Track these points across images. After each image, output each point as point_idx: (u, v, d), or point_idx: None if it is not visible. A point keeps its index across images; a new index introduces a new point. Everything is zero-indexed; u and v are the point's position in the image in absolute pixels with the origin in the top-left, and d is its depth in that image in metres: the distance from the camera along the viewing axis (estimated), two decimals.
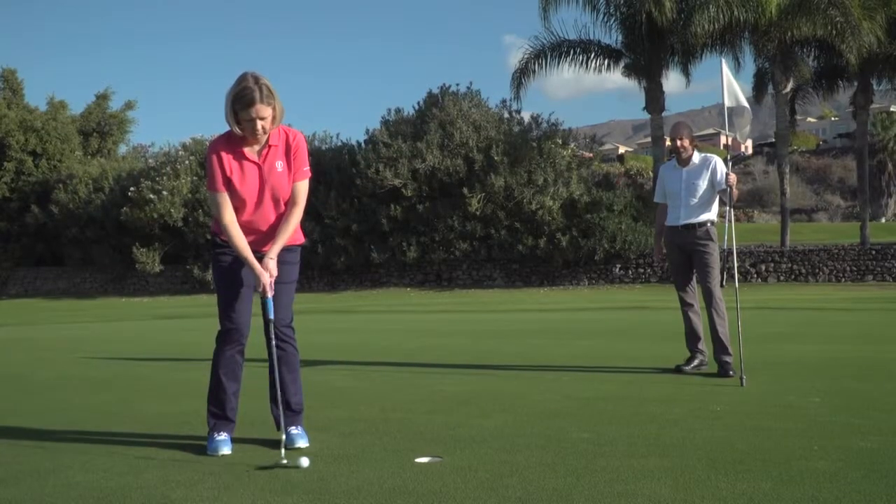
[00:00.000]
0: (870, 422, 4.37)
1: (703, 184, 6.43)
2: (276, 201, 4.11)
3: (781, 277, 25.35)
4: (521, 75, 27.87)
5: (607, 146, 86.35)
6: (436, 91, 29.00)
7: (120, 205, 29.96)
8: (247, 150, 4.04)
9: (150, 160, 33.95)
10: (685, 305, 6.59)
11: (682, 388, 5.66)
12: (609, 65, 28.16)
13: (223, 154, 4.00)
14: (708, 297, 6.35)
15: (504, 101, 29.10)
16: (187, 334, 12.20)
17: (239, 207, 4.04)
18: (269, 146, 4.08)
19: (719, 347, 6.23)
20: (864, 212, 28.97)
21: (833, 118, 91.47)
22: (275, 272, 3.98)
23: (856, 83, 28.40)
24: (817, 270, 25.16)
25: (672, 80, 33.40)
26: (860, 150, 29.64)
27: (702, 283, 6.42)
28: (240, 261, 4.05)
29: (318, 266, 28.72)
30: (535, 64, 27.82)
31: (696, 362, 6.45)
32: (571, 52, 27.90)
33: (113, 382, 6.81)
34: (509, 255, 26.71)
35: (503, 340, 9.71)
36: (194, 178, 29.65)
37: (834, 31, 24.77)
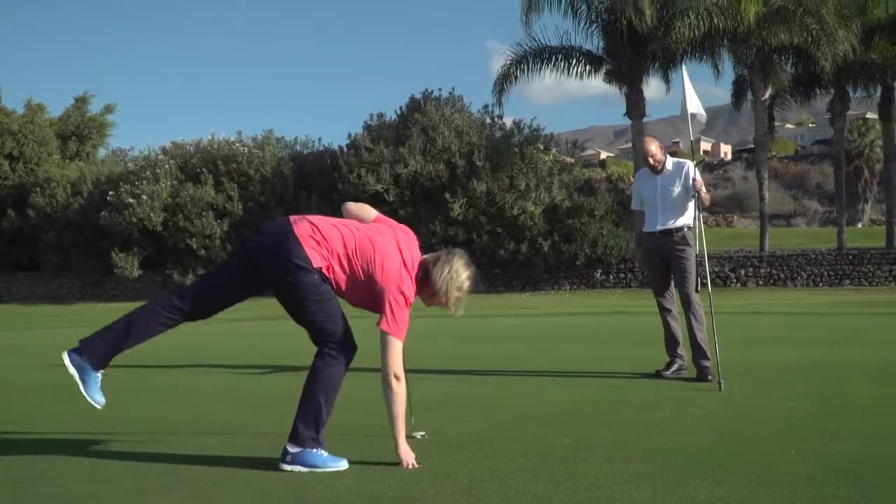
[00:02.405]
0: (847, 426, 4.39)
1: (677, 189, 6.47)
2: None
3: (760, 282, 25.53)
4: (503, 81, 27.93)
5: (589, 151, 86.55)
6: (418, 96, 29.02)
7: (99, 209, 29.73)
8: None
9: (129, 164, 33.69)
10: (664, 311, 6.60)
11: (662, 393, 5.67)
12: (590, 71, 28.29)
13: None
14: (686, 302, 6.37)
15: (486, 107, 29.17)
16: (166, 339, 12.10)
17: None
18: None
19: (698, 352, 6.25)
20: (841, 217, 29.21)
21: (811, 125, 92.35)
22: None
23: (832, 90, 28.68)
24: (796, 275, 25.35)
25: (653, 87, 33.74)
26: (837, 156, 29.92)
27: (679, 287, 6.44)
28: None
29: None
30: (516, 70, 27.90)
31: (675, 367, 6.45)
32: (553, 58, 28.01)
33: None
34: (491, 260, 26.74)
35: (483, 345, 9.69)
36: (174, 182, 29.48)
37: (810, 39, 25.02)
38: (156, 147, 32.79)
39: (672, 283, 6.57)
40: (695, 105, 6.51)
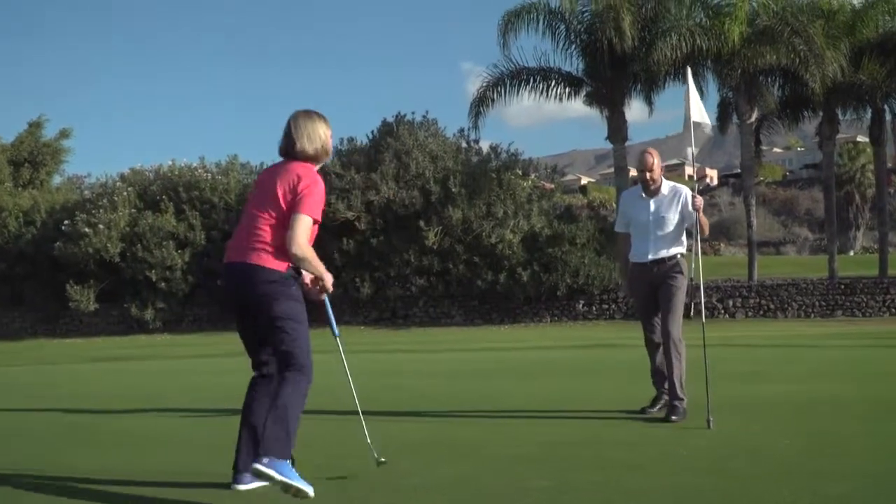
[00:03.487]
0: (840, 465, 4.42)
1: (673, 216, 6.23)
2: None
3: (749, 313, 25.70)
4: (480, 104, 28.15)
5: (569, 177, 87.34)
6: (391, 119, 29.13)
7: (53, 239, 29.45)
8: None
9: (85, 192, 33.47)
10: (651, 344, 6.47)
11: (648, 431, 5.68)
12: (570, 93, 28.59)
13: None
14: (666, 335, 6.17)
15: (462, 131, 29.33)
16: (126, 377, 11.98)
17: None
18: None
19: (672, 390, 6.10)
20: (832, 245, 29.58)
21: (799, 148, 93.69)
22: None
23: (821, 113, 29.12)
24: (786, 305, 25.56)
25: (635, 109, 33.94)
26: (827, 181, 30.34)
27: (662, 318, 6.24)
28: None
29: None
30: (493, 92, 28.14)
31: (662, 402, 6.34)
32: (531, 79, 28.29)
33: (43, 432, 6.64)
34: (468, 291, 26.74)
35: (461, 381, 9.67)
36: (133, 210, 29.30)
37: (798, 60, 25.44)
38: (114, 174, 32.61)
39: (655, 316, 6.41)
40: (699, 112, 6.37)
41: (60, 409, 8.14)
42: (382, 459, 4.37)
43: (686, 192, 6.29)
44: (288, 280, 4.20)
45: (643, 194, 6.35)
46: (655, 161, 6.26)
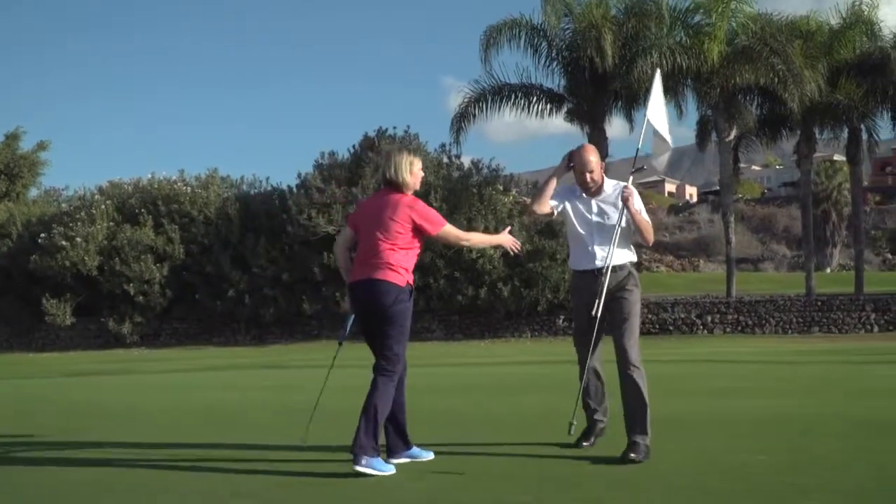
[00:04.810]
0: (815, 481, 4.45)
1: (619, 217, 5.44)
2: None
3: (728, 329, 25.87)
4: (461, 119, 28.27)
5: None
6: (372, 134, 29.18)
7: (29, 252, 29.21)
8: None
9: (63, 204, 33.28)
10: (587, 369, 5.59)
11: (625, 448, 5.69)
12: (551, 109, 28.77)
13: None
14: (624, 357, 5.32)
15: (443, 146, 29.42)
16: (103, 394, 11.88)
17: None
18: None
19: (639, 424, 5.22)
20: (809, 262, 29.87)
21: (778, 166, 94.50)
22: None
23: (799, 132, 29.46)
24: (764, 322, 25.75)
25: (616, 126, 34.26)
26: (804, 199, 30.66)
27: (617, 339, 5.38)
28: None
29: (245, 318, 28.36)
30: (475, 108, 28.27)
31: (597, 431, 5.72)
32: (512, 95, 28.45)
33: (8, 445, 6.58)
34: (449, 306, 26.76)
35: (440, 397, 9.66)
36: (111, 223, 29.14)
37: (776, 79, 25.75)
38: (91, 186, 32.47)
39: (599, 335, 5.49)
40: (659, 115, 5.91)
41: (34, 424, 8.07)
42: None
43: (631, 187, 5.59)
44: (404, 294, 5.04)
45: (584, 194, 5.56)
46: (594, 159, 5.48)
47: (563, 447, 5.68)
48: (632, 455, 5.03)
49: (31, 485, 4.90)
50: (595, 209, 5.49)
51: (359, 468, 4.65)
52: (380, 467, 4.74)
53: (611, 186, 5.54)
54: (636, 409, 5.22)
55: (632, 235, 5.58)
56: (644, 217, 5.49)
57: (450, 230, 5.24)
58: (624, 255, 5.46)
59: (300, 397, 10.19)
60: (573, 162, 5.49)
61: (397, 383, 5.09)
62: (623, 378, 5.31)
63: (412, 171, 5.17)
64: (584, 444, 5.59)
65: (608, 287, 5.32)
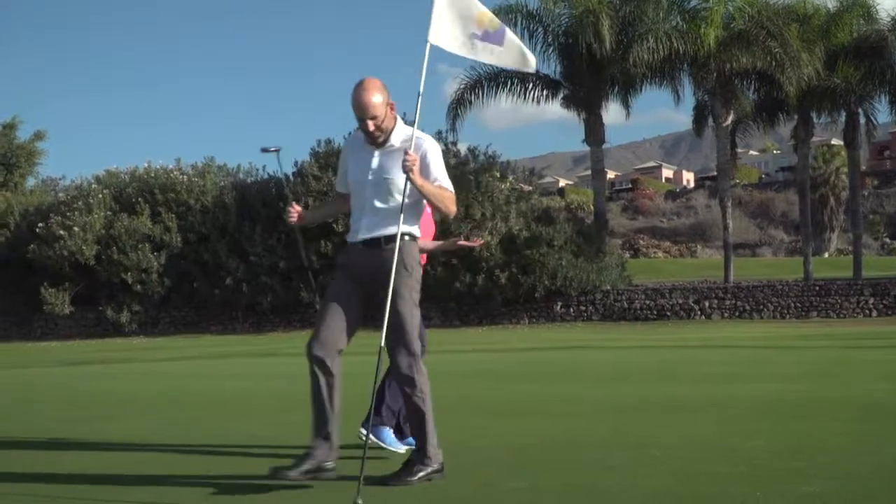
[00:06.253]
0: (813, 465, 4.42)
1: (402, 173, 4.18)
2: None
3: (726, 314, 25.84)
4: (457, 106, 28.19)
5: (547, 179, 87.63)
6: None
7: (27, 242, 29.16)
8: None
9: (60, 194, 33.19)
10: (323, 371, 4.30)
11: (622, 433, 5.67)
12: (548, 95, 28.72)
13: None
14: (395, 362, 4.34)
15: (440, 133, 29.27)
16: (104, 382, 11.85)
17: None
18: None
19: (417, 439, 4.43)
20: (807, 247, 29.85)
21: (775, 151, 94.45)
22: None
23: (796, 116, 29.38)
24: (762, 307, 25.72)
25: (612, 112, 34.10)
26: (802, 184, 30.61)
27: (390, 339, 4.29)
28: None
29: (243, 306, 28.32)
30: (471, 94, 28.20)
31: (313, 462, 4.20)
32: (509, 82, 28.36)
33: (10, 433, 6.55)
34: (446, 293, 26.70)
35: (436, 383, 9.62)
36: (108, 212, 29.07)
37: (773, 63, 25.65)
38: (88, 176, 32.38)
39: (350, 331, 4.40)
40: (450, 34, 4.65)
41: (35, 413, 8.04)
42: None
43: (426, 147, 4.30)
44: None
45: (367, 143, 4.35)
46: (373, 99, 4.17)
47: (557, 434, 5.66)
48: (408, 479, 4.25)
49: (34, 473, 4.87)
50: (374, 164, 4.29)
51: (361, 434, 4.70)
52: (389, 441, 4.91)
53: (400, 136, 4.31)
54: (418, 424, 4.43)
55: (420, 201, 4.36)
56: (436, 188, 4.26)
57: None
58: (402, 225, 4.24)
59: (300, 386, 10.17)
60: (354, 107, 4.22)
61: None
62: (398, 385, 4.50)
63: None
64: (291, 473, 4.11)
65: (373, 264, 4.26)
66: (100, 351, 22.07)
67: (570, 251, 26.36)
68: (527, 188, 30.49)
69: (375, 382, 4.46)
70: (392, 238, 4.21)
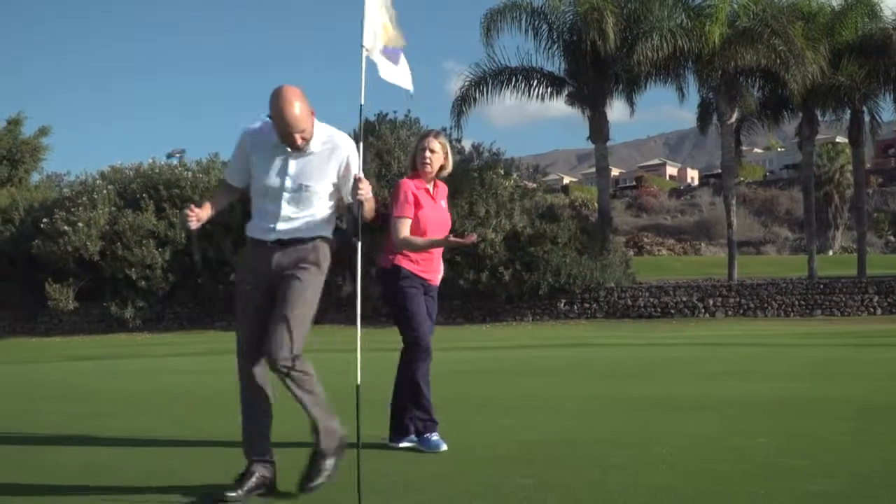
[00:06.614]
0: (817, 463, 4.45)
1: (323, 186, 4.09)
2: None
3: (730, 312, 25.85)
4: (462, 103, 28.19)
5: (551, 176, 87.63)
6: (372, 118, 29.09)
7: (31, 237, 29.23)
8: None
9: (65, 190, 33.25)
10: (248, 379, 4.19)
11: (627, 431, 5.69)
12: (552, 93, 28.69)
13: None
14: (274, 356, 3.97)
15: (444, 130, 29.30)
16: (108, 378, 11.90)
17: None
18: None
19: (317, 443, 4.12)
20: (812, 245, 29.80)
21: (780, 149, 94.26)
22: None
23: (800, 114, 29.34)
24: (766, 305, 25.72)
25: (616, 109, 34.16)
26: (806, 182, 30.58)
27: (272, 322, 4.00)
28: (420, 289, 5.17)
29: None
30: (475, 91, 28.20)
31: (253, 480, 4.06)
32: (513, 79, 28.36)
33: (15, 431, 6.59)
34: (450, 290, 26.69)
35: (440, 381, 9.65)
36: (112, 208, 29.13)
37: (778, 61, 25.63)
38: (93, 172, 32.44)
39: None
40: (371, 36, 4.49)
41: (40, 408, 8.08)
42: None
43: (348, 151, 4.11)
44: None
45: (279, 142, 4.03)
46: (301, 113, 3.88)
47: (562, 431, 5.68)
48: (309, 485, 4.02)
49: (42, 469, 4.90)
50: (292, 170, 4.06)
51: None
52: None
53: (321, 140, 4.06)
54: (317, 415, 4.12)
55: (337, 203, 4.24)
56: (371, 203, 4.22)
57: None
58: (318, 229, 4.14)
59: None
60: (271, 113, 3.92)
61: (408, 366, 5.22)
62: (284, 382, 4.08)
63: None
64: (231, 495, 3.94)
65: (286, 262, 4.08)
66: (104, 347, 22.13)
67: (574, 248, 26.37)
68: (531, 185, 30.52)
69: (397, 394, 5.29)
70: (307, 241, 4.09)
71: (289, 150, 3.99)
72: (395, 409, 5.28)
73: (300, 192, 4.05)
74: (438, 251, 5.30)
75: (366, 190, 4.07)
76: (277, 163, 4.04)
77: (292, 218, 4.07)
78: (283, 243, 4.06)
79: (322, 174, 4.06)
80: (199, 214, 4.06)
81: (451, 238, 5.13)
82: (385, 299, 5.24)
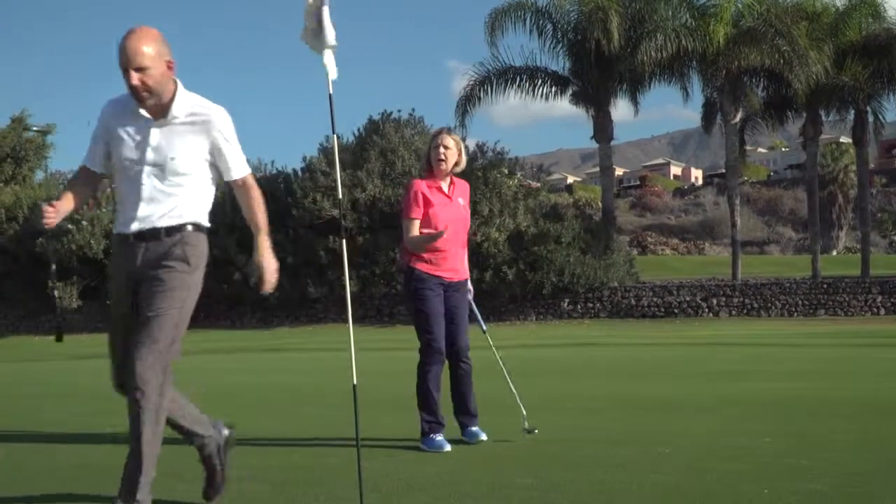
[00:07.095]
0: (820, 463, 4.44)
1: (188, 159, 3.54)
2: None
3: (733, 312, 25.83)
4: (466, 102, 28.20)
5: (555, 176, 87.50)
6: (377, 118, 29.11)
7: (35, 236, 29.29)
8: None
9: None
10: (126, 391, 3.67)
11: (629, 430, 5.70)
12: (556, 92, 28.68)
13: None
14: (136, 370, 3.51)
15: (449, 128, 29.30)
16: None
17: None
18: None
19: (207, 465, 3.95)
20: (815, 245, 29.76)
21: (783, 149, 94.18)
22: None
23: (804, 114, 29.31)
24: (769, 305, 25.69)
25: (620, 109, 34.05)
26: (810, 181, 30.52)
27: (143, 342, 3.51)
28: (437, 289, 5.25)
29: (251, 301, 28.39)
30: (480, 90, 28.19)
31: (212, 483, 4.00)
32: (518, 78, 28.36)
33: (18, 430, 6.60)
34: None
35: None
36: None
37: (782, 61, 25.60)
38: None
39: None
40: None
41: (43, 407, 8.09)
42: (535, 430, 5.36)
43: (221, 126, 3.59)
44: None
45: (140, 110, 3.47)
46: (144, 48, 3.34)
47: (566, 430, 5.68)
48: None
49: (39, 467, 4.91)
50: (153, 141, 3.49)
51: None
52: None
53: (184, 110, 3.50)
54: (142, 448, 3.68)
55: (209, 186, 3.78)
56: (263, 208, 4.10)
57: None
58: (187, 214, 3.61)
59: (311, 380, 10.20)
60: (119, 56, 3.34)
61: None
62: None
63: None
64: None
65: (147, 259, 3.56)
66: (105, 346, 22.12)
67: (578, 248, 26.37)
68: (535, 185, 30.52)
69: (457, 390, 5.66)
70: (175, 229, 3.53)
71: (149, 116, 3.44)
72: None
73: (164, 167, 3.48)
74: (454, 247, 5.31)
75: (271, 280, 3.87)
76: (137, 133, 3.48)
77: (155, 199, 3.50)
78: (145, 237, 3.50)
79: (190, 147, 3.50)
80: (59, 207, 3.62)
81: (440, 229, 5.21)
82: (404, 299, 5.52)
